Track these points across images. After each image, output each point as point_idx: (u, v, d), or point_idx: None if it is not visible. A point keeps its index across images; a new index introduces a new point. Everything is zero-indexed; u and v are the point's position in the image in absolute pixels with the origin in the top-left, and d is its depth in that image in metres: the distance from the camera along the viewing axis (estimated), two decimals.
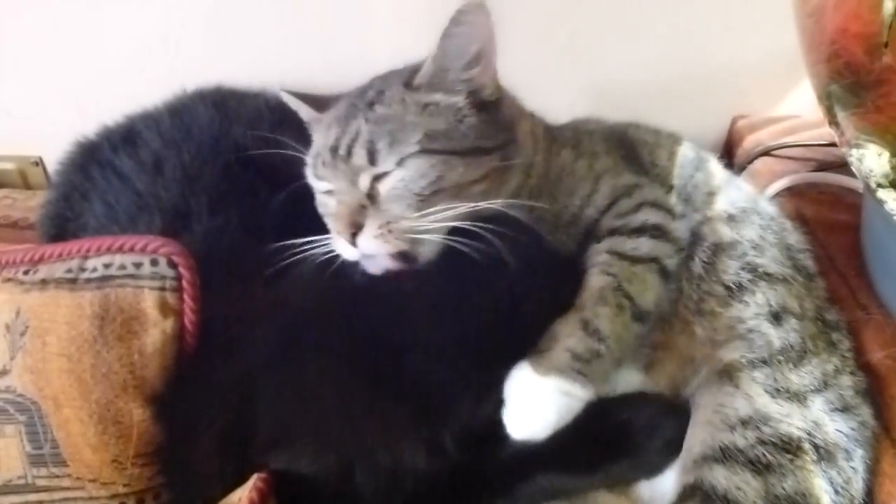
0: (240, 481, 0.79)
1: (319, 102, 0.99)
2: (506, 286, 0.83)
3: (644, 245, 0.84)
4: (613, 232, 0.86)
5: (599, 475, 0.83)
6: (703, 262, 0.88)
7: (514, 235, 0.81)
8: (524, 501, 0.83)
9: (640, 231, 0.86)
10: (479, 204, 0.83)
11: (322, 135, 0.92)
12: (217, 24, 1.40)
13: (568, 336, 0.79)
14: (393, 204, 0.84)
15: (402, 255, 0.84)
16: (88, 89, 1.48)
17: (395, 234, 0.83)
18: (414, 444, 0.79)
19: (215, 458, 0.83)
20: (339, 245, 0.86)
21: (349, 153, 0.86)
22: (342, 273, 0.87)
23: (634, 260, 0.83)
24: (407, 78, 0.89)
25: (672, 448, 0.82)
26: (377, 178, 0.85)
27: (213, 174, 1.05)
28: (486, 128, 0.88)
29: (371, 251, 0.84)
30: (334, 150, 0.88)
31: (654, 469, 0.83)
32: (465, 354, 0.81)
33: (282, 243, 0.88)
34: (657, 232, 0.86)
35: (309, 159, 0.95)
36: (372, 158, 0.85)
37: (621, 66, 1.35)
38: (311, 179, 0.94)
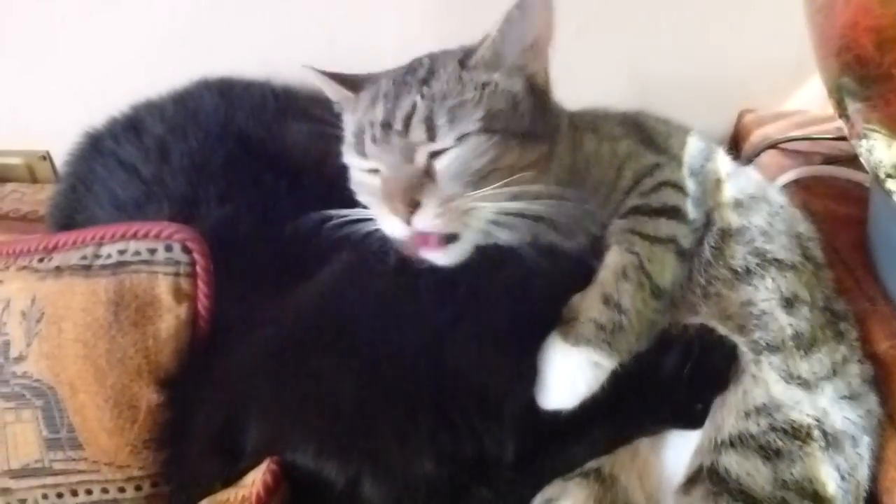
0: (234, 479, 0.80)
1: (349, 82, 0.96)
2: (523, 283, 0.83)
3: (663, 226, 0.85)
4: (636, 210, 0.87)
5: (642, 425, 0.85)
6: (712, 246, 0.88)
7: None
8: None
9: (659, 212, 0.87)
10: (527, 188, 0.83)
11: (365, 111, 0.88)
12: (223, 18, 1.40)
13: (590, 309, 0.80)
14: (450, 182, 0.82)
15: (448, 238, 0.84)
16: (96, 84, 1.48)
17: (454, 213, 0.82)
18: (425, 450, 0.79)
19: (209, 459, 0.83)
20: (387, 223, 0.84)
21: (406, 128, 0.83)
22: (361, 272, 0.87)
23: (654, 240, 0.84)
24: (463, 57, 0.87)
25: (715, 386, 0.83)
26: (434, 155, 0.83)
27: (220, 162, 1.05)
28: (538, 114, 0.88)
29: (428, 229, 0.82)
30: (387, 125, 0.84)
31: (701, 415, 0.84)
32: (484, 356, 0.81)
33: (321, 213, 0.88)
34: (675, 213, 0.87)
35: (349, 137, 0.91)
36: (431, 134, 0.82)
37: (629, 60, 1.36)
38: (353, 158, 0.90)
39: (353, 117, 0.91)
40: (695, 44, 1.33)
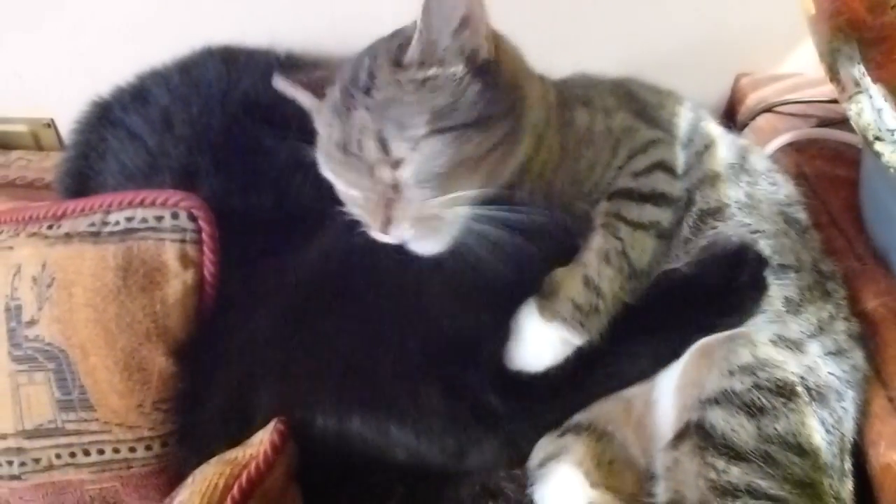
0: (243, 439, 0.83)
1: (316, 85, 0.92)
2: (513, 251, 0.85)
3: (648, 212, 0.87)
4: (624, 194, 0.88)
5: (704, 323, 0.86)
6: (690, 226, 0.90)
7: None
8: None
9: (647, 198, 0.88)
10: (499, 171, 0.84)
11: (325, 128, 0.87)
12: None
13: (571, 288, 0.82)
14: (417, 189, 0.81)
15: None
16: (99, 51, 1.49)
17: (427, 220, 0.82)
18: (433, 384, 0.82)
19: (220, 422, 0.86)
20: (373, 232, 0.85)
21: (360, 148, 0.82)
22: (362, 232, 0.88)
23: (638, 226, 0.86)
24: (395, 55, 0.83)
25: (757, 284, 0.85)
26: (395, 166, 0.81)
27: (219, 129, 1.05)
28: (491, 92, 0.83)
29: (405, 239, 0.83)
30: (343, 146, 0.83)
31: (750, 306, 0.86)
32: (482, 299, 0.85)
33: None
34: (662, 199, 0.89)
35: (319, 155, 0.89)
36: (385, 149, 0.80)
37: (627, 24, 1.36)
38: (326, 173, 0.89)
39: (319, 128, 0.89)
40: (691, 8, 1.33)
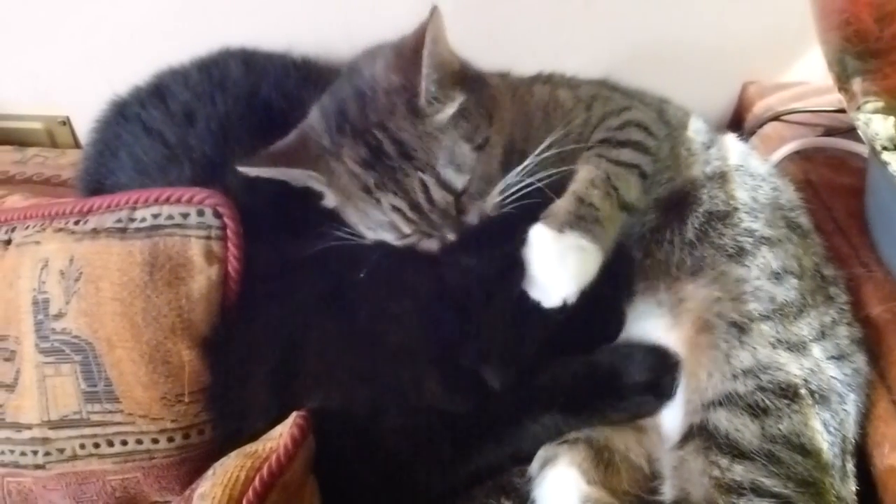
0: (282, 417, 0.85)
1: (294, 159, 0.92)
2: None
3: (626, 154, 0.92)
4: (602, 142, 0.94)
5: (594, 415, 0.91)
6: (696, 227, 0.92)
7: None
8: (531, 439, 0.91)
9: (624, 144, 0.93)
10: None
11: (367, 200, 0.90)
12: None
13: (568, 205, 0.86)
14: (476, 195, 0.90)
15: None
16: (115, 49, 1.50)
17: (488, 208, 0.90)
18: (434, 379, 0.86)
19: (263, 395, 0.89)
20: (425, 244, 0.91)
21: (430, 202, 0.87)
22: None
23: (619, 163, 0.90)
24: (408, 109, 0.87)
25: (657, 392, 0.89)
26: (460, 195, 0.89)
27: (246, 127, 1.07)
28: (471, 92, 0.91)
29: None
30: (416, 207, 0.88)
31: (644, 409, 0.90)
32: (481, 300, 0.87)
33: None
34: (638, 146, 0.93)
35: (359, 220, 0.92)
36: (452, 190, 0.88)
37: (636, 31, 1.37)
38: (379, 235, 0.93)
39: (341, 197, 0.92)
40: (699, 16, 1.35)
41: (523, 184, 0.89)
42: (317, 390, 0.87)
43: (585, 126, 0.96)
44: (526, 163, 0.89)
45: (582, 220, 0.84)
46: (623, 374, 0.89)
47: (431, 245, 0.91)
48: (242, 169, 0.90)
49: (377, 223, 0.91)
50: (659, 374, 0.89)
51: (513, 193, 0.89)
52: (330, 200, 0.93)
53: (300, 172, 0.91)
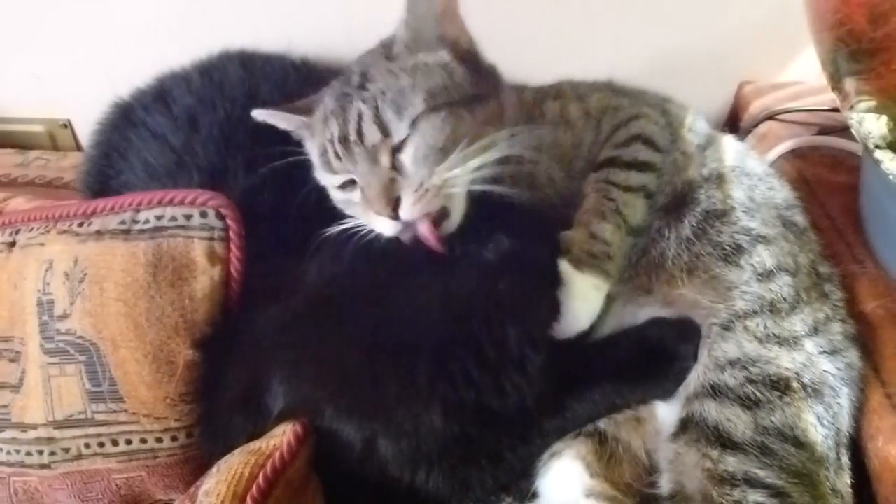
0: (259, 435, 0.86)
1: (299, 108, 1.01)
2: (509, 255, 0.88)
3: (634, 178, 0.94)
4: (610, 163, 0.95)
5: (650, 384, 0.92)
6: (694, 226, 0.93)
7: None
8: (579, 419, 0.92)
9: (631, 165, 0.94)
10: (483, 142, 0.89)
11: (321, 132, 0.94)
12: None
13: (583, 242, 0.90)
14: (419, 167, 0.88)
15: (440, 215, 0.89)
16: (116, 52, 1.51)
17: (432, 193, 0.87)
18: (432, 405, 0.83)
19: (236, 416, 0.89)
20: (378, 224, 0.90)
21: (360, 135, 0.89)
22: (369, 245, 0.92)
23: (627, 189, 0.93)
24: (385, 52, 0.93)
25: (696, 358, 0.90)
26: (396, 149, 0.89)
27: (247, 132, 1.08)
28: (475, 77, 0.93)
29: (413, 217, 0.88)
30: (344, 138, 0.90)
31: (684, 377, 0.90)
32: (476, 317, 0.85)
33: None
34: (645, 166, 0.95)
35: (316, 159, 0.97)
36: (385, 131, 0.88)
37: (633, 32, 1.38)
38: (325, 176, 0.97)
39: (314, 141, 0.97)
40: (695, 17, 1.36)
41: (470, 177, 0.89)
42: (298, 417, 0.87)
43: (594, 145, 0.98)
44: (468, 150, 0.88)
45: (596, 259, 0.89)
46: (667, 341, 0.91)
47: (384, 227, 0.90)
48: (255, 112, 0.99)
49: (323, 162, 0.95)
50: (694, 341, 0.90)
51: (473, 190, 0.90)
52: (311, 149, 0.99)
53: (297, 119, 0.99)
